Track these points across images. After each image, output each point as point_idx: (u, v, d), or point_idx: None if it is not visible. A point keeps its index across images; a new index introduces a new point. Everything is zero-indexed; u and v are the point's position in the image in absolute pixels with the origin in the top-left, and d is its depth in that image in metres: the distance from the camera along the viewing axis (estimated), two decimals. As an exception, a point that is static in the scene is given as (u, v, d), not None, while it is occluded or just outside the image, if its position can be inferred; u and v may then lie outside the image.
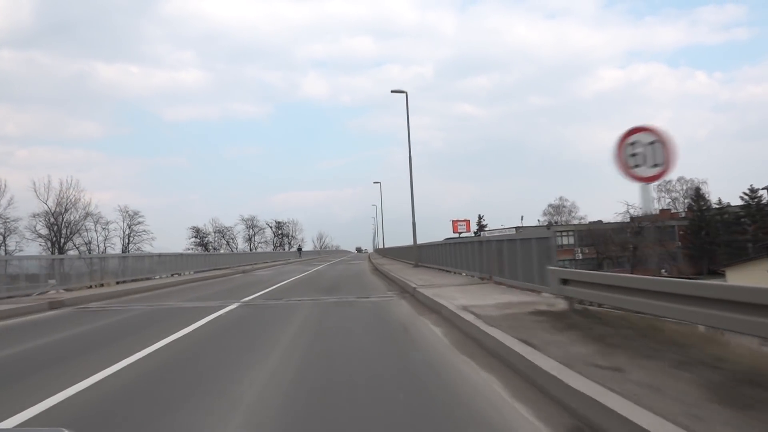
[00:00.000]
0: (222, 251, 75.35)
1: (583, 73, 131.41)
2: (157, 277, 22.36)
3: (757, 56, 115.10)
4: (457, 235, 57.51)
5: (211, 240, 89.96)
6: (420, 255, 23.42)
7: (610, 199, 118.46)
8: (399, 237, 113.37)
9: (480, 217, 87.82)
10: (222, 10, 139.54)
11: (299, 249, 58.35)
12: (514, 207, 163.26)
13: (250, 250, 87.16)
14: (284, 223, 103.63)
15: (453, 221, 68.91)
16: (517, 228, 63.38)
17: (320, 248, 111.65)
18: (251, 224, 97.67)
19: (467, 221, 70.61)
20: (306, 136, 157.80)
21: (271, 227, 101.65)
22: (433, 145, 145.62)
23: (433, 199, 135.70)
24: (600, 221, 65.67)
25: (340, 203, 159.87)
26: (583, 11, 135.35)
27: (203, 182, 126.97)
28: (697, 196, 64.78)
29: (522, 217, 78.03)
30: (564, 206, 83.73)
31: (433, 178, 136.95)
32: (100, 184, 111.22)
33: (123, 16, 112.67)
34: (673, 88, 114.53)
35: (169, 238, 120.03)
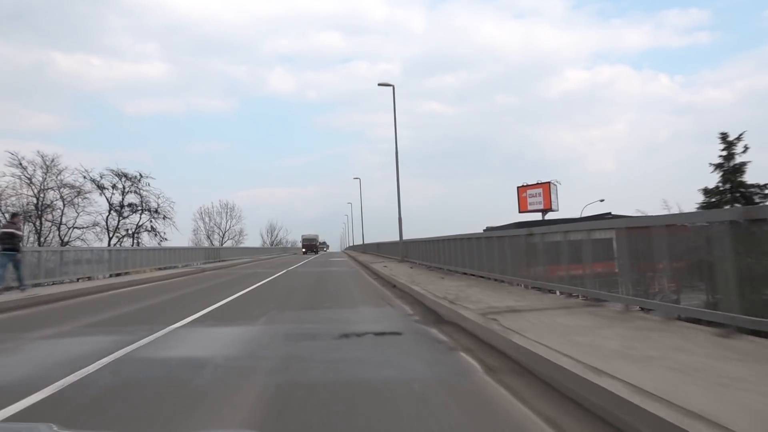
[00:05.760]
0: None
1: (549, 73, 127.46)
2: None
3: (716, 60, 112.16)
4: (539, 216, 47.70)
5: None
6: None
7: (573, 198, 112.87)
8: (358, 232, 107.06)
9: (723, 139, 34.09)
10: (187, 0, 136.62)
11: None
12: (478, 207, 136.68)
13: (39, 241, 36.18)
14: (140, 179, 44.12)
15: (519, 188, 47.71)
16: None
17: (271, 245, 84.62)
18: (42, 187, 38.36)
19: (546, 185, 45.29)
20: (272, 131, 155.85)
21: (100, 186, 41.98)
22: (399, 143, 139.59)
23: (400, 197, 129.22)
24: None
25: (305, 200, 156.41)
26: (552, 12, 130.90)
27: (166, 177, 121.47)
28: None
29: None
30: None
31: (400, 176, 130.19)
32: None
33: (83, 4, 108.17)
34: (637, 90, 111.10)
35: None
